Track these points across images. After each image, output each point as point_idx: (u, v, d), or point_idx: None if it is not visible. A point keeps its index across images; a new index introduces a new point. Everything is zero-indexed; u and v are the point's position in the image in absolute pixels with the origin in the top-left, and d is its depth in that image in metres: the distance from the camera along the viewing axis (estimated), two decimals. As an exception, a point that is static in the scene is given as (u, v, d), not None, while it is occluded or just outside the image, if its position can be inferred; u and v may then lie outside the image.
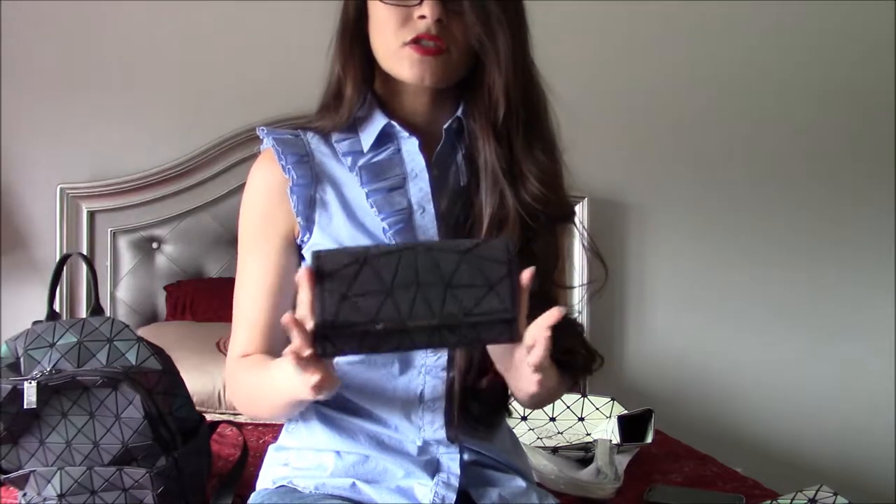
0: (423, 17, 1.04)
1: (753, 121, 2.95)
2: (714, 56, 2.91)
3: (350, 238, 1.09)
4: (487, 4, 1.05)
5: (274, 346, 1.11)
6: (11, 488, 1.33)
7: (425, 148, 1.11)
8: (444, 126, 1.11)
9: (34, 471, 1.25)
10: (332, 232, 1.10)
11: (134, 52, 2.54)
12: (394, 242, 1.07)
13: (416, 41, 1.04)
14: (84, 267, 2.21)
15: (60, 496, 1.24)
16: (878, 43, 2.99)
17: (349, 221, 1.10)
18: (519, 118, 1.09)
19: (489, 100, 1.08)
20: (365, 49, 1.10)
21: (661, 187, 2.89)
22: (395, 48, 1.06)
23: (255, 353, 1.12)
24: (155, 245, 2.56)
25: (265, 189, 1.13)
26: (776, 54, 2.95)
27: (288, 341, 1.05)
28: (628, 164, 2.87)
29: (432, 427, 1.11)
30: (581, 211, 2.67)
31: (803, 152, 2.99)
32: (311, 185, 1.11)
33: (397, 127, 1.11)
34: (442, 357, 1.09)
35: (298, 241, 1.12)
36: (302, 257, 1.14)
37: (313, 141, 1.14)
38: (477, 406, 1.10)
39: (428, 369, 1.10)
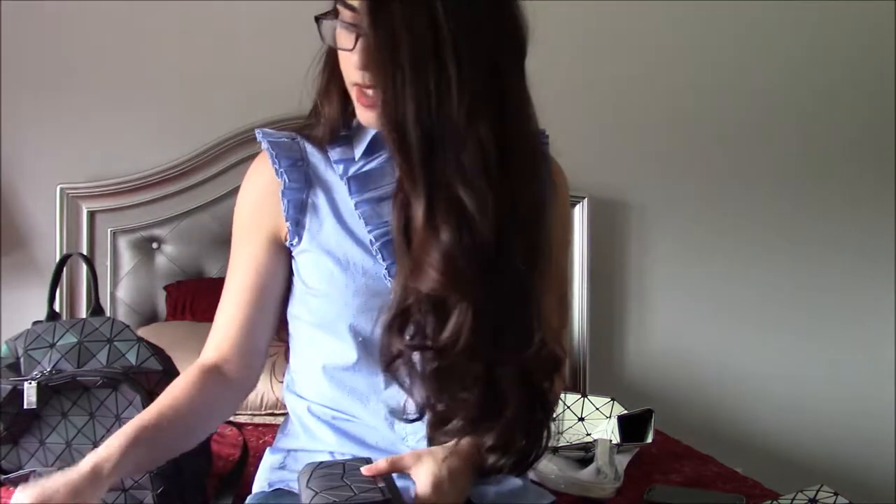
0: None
1: (754, 120, 2.95)
2: (714, 56, 2.91)
3: (338, 245, 1.09)
4: (379, 54, 0.95)
5: (252, 343, 1.14)
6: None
7: None
8: None
9: (34, 471, 1.25)
10: (322, 239, 1.10)
11: (134, 53, 2.54)
12: (380, 255, 1.07)
13: (359, 86, 1.01)
14: (84, 267, 2.21)
15: (60, 496, 1.24)
16: (878, 43, 2.99)
17: (339, 228, 1.09)
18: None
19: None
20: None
21: (661, 187, 2.89)
22: (349, 85, 1.04)
23: (227, 351, 1.13)
24: (155, 245, 2.56)
25: (255, 190, 1.14)
26: (776, 54, 2.95)
27: (266, 343, 1.14)
28: (628, 164, 2.87)
29: (415, 438, 1.11)
30: (581, 211, 2.67)
31: (804, 152, 2.99)
32: (303, 190, 1.10)
33: None
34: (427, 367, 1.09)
35: (287, 244, 1.12)
36: (292, 259, 1.14)
37: (308, 145, 1.13)
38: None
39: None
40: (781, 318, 2.98)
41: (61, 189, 2.44)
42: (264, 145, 1.13)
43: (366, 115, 1.02)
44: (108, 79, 2.53)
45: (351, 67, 1.00)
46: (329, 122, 1.10)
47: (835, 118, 3.00)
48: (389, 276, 1.06)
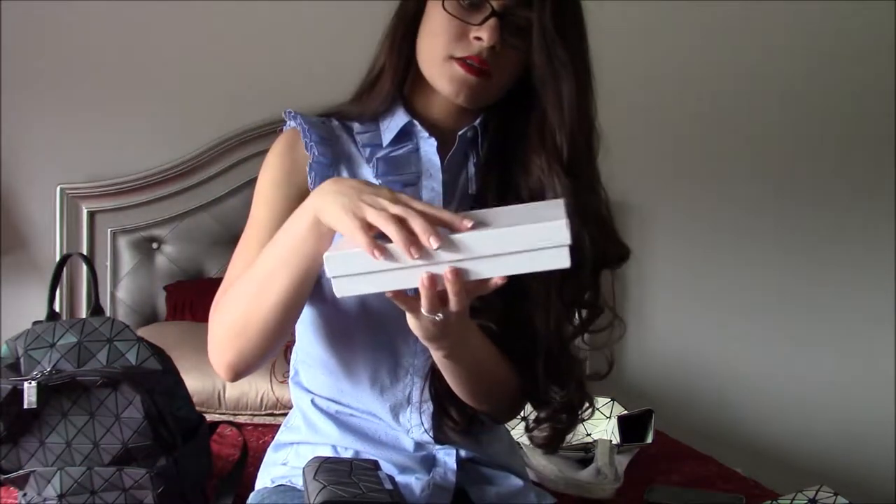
0: (479, 38, 1.02)
1: (754, 121, 2.95)
2: (715, 56, 2.91)
3: None
4: (555, 48, 1.05)
5: None
6: (11, 488, 1.33)
7: (439, 151, 1.11)
8: (459, 133, 1.11)
9: (34, 471, 1.25)
10: None
11: (134, 53, 2.54)
12: None
13: (463, 59, 1.03)
14: (84, 267, 2.21)
15: (60, 496, 1.24)
16: (878, 43, 2.99)
17: None
18: (583, 159, 1.12)
19: (552, 140, 1.08)
20: (411, 47, 1.09)
21: (662, 187, 2.89)
22: (440, 59, 1.05)
23: None
24: (155, 245, 2.56)
25: (282, 161, 1.13)
26: (777, 55, 2.95)
27: None
28: (629, 164, 2.86)
29: (420, 430, 1.11)
30: (581, 211, 2.67)
31: (805, 154, 2.99)
32: (330, 166, 1.12)
33: (418, 126, 1.11)
34: (430, 359, 1.08)
35: None
36: None
37: (337, 129, 1.15)
38: (456, 411, 1.11)
39: (416, 370, 1.11)
40: (781, 318, 2.98)
41: (61, 189, 2.45)
42: (295, 122, 1.14)
43: (456, 87, 1.04)
44: (108, 79, 2.53)
45: (462, 39, 1.03)
46: (382, 94, 1.11)
47: (837, 119, 3.00)
48: None
